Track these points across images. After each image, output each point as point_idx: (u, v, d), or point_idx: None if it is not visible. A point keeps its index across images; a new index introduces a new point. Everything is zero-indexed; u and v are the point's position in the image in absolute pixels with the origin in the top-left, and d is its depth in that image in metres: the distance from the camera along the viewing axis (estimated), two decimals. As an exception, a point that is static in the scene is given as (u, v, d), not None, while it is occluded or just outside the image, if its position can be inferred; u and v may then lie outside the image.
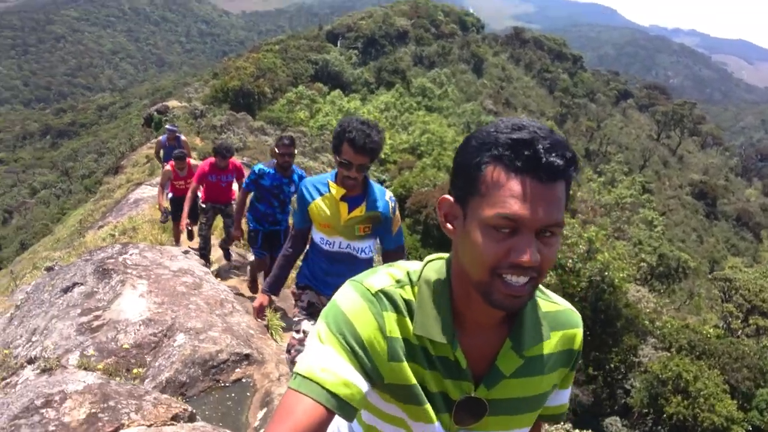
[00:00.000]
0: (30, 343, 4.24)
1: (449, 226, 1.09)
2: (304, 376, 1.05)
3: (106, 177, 23.58)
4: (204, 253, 7.20)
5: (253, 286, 6.42)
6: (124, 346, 3.86)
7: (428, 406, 1.15)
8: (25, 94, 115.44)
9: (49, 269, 7.32)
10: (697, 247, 48.03)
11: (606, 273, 15.74)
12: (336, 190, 3.03)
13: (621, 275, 16.38)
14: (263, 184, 5.55)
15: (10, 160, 68.35)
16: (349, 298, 1.14)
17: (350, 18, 64.87)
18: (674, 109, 67.18)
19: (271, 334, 4.90)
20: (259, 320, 3.39)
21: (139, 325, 4.07)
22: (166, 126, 11.05)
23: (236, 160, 7.38)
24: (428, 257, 1.22)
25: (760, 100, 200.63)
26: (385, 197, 3.14)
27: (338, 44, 56.51)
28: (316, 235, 3.18)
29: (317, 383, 1.04)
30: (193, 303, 4.58)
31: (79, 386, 3.04)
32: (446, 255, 1.20)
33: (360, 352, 1.09)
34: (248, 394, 3.84)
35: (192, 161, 8.38)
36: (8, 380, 3.81)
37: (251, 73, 36.05)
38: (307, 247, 3.33)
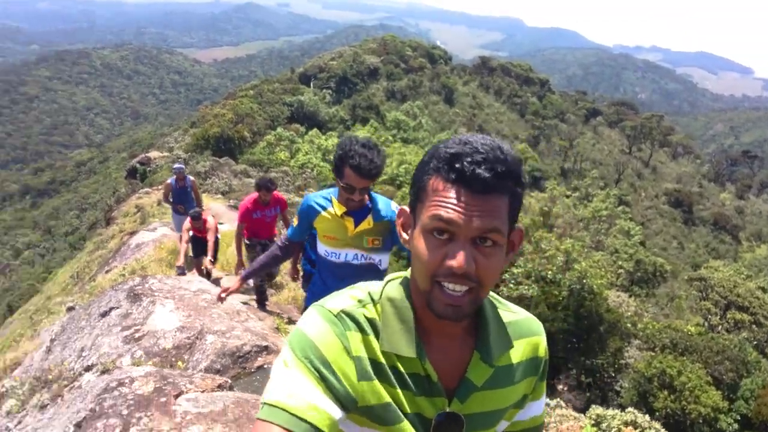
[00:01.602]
0: (81, 358, 4.95)
1: (405, 235, 1.17)
2: (271, 405, 1.05)
3: (99, 229, 24.11)
4: (262, 290, 7.07)
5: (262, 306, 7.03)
6: (165, 348, 4.60)
7: (406, 423, 1.14)
8: (2, 156, 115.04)
9: (70, 309, 8.02)
10: (678, 254, 49.20)
11: (584, 281, 16.54)
12: (338, 208, 3.07)
13: (599, 282, 17.18)
14: None
15: (-10, 224, 68.22)
16: (311, 322, 1.14)
17: (321, 59, 66.41)
18: (643, 123, 69.23)
19: (284, 334, 5.66)
20: (220, 299, 3.41)
21: (175, 332, 4.81)
22: (174, 166, 10.98)
23: (279, 192, 7.24)
24: (388, 276, 1.26)
25: (727, 108, 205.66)
26: (391, 207, 3.17)
27: (311, 85, 57.84)
28: (321, 248, 3.20)
29: (284, 410, 1.03)
30: (215, 313, 5.34)
31: (141, 372, 3.78)
32: (406, 273, 1.24)
33: (328, 375, 1.09)
34: (269, 376, 4.64)
35: (209, 219, 8.42)
36: (70, 386, 4.52)
37: (230, 119, 37.08)
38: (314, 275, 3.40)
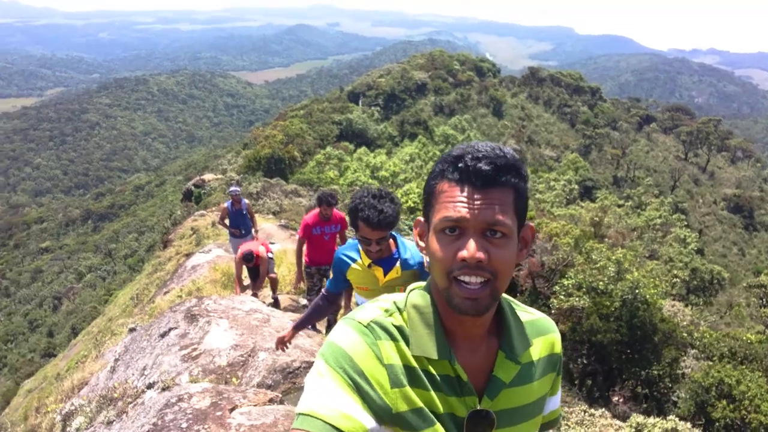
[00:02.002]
0: (143, 376, 5.35)
1: (422, 243, 1.23)
2: (305, 414, 1.08)
3: (156, 252, 24.98)
4: (329, 324, 6.85)
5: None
6: (220, 366, 4.95)
7: (438, 426, 1.17)
8: (65, 183, 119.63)
9: (131, 330, 8.50)
10: (739, 260, 47.70)
11: (637, 291, 16.36)
12: (365, 259, 3.14)
13: (653, 291, 16.96)
14: None
15: (55, 248, 70.83)
16: (343, 334, 1.18)
17: (369, 77, 67.21)
18: (699, 128, 67.48)
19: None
20: (279, 351, 3.58)
21: (229, 350, 5.17)
22: (230, 189, 11.05)
23: (338, 211, 6.96)
24: (411, 285, 1.31)
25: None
26: (418, 251, 3.17)
27: (360, 103, 58.57)
28: (358, 298, 3.38)
29: (318, 419, 1.06)
30: (266, 331, 5.68)
31: (199, 388, 4.13)
32: (423, 283, 1.31)
33: (363, 384, 1.12)
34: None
35: (261, 254, 8.41)
36: (133, 402, 4.91)
37: (280, 140, 38.01)
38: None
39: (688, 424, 5.35)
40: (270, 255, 8.84)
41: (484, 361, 1.24)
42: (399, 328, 1.21)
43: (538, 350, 1.33)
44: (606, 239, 20.92)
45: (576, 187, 35.61)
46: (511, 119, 61.53)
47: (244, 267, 8.70)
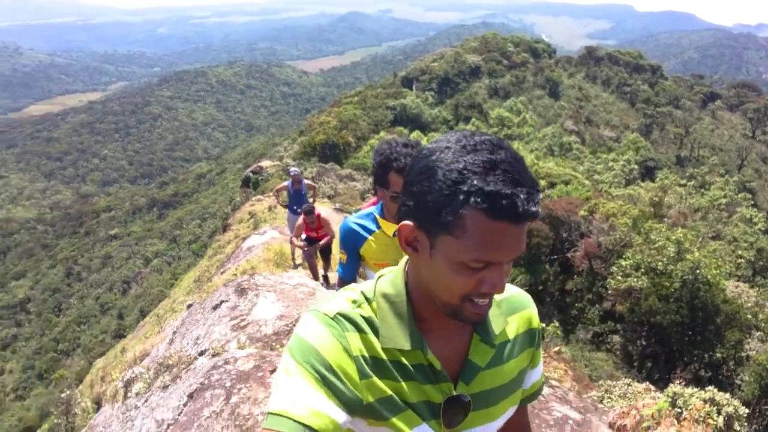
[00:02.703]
0: (196, 345, 5.55)
1: (410, 249, 1.13)
2: (275, 414, 1.05)
3: (217, 236, 25.67)
4: None
5: None
6: (266, 334, 5.10)
7: (409, 412, 1.17)
8: (131, 173, 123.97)
9: (189, 306, 8.82)
10: (814, 242, 45.61)
11: (698, 271, 15.91)
12: (386, 226, 2.74)
13: (715, 272, 16.47)
14: None
15: (123, 235, 73.41)
16: (309, 328, 1.14)
17: (422, 62, 66.94)
18: (766, 105, 64.65)
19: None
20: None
21: (275, 320, 5.31)
22: (290, 169, 11.41)
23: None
24: (377, 273, 1.28)
25: None
26: None
27: (413, 88, 58.43)
28: (369, 274, 2.88)
29: (288, 417, 1.04)
30: (311, 303, 5.80)
31: (244, 353, 4.27)
32: (394, 268, 1.27)
33: (331, 378, 1.09)
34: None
35: (321, 213, 8.70)
36: (187, 368, 5.11)
37: (334, 126, 38.33)
38: None
39: (727, 395, 5.21)
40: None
41: (459, 344, 1.23)
42: (367, 320, 1.18)
43: (514, 328, 1.31)
44: (666, 219, 20.33)
45: (636, 167, 34.66)
46: (568, 100, 60.24)
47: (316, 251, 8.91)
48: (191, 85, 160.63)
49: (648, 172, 40.25)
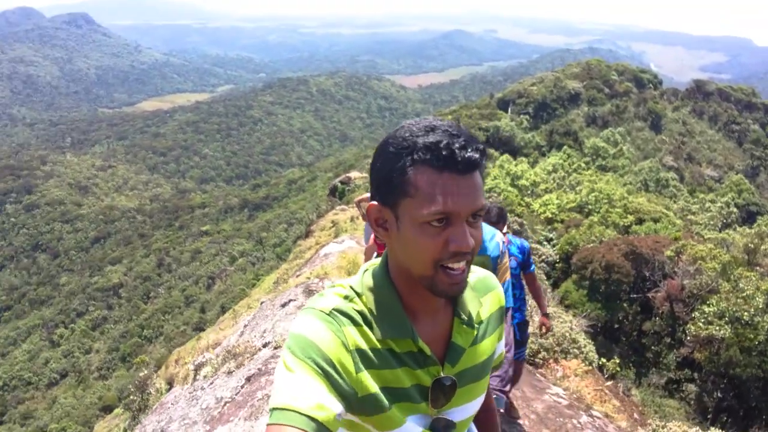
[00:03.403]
0: (261, 337, 5.98)
1: (381, 230, 1.21)
2: (280, 409, 1.07)
3: (299, 241, 26.49)
4: None
5: None
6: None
7: (394, 411, 1.22)
8: (227, 173, 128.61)
9: (262, 303, 9.35)
10: None
11: (787, 326, 15.15)
12: None
13: (806, 329, 15.62)
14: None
15: (213, 232, 76.13)
16: (307, 324, 1.18)
17: (521, 84, 66.39)
18: None
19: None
20: None
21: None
22: None
23: None
24: (363, 266, 1.34)
25: None
26: (495, 239, 3.06)
27: (509, 110, 58.02)
28: None
29: (294, 411, 1.05)
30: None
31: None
32: (377, 260, 1.32)
33: (331, 371, 1.12)
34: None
35: None
36: (251, 358, 5.54)
37: (424, 143, 38.57)
38: None
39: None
40: None
41: (442, 329, 1.30)
42: (360, 313, 1.23)
43: (488, 308, 1.41)
44: (757, 267, 19.40)
45: (735, 210, 33.07)
46: (670, 134, 58.15)
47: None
48: (292, 93, 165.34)
49: (749, 217, 38.30)
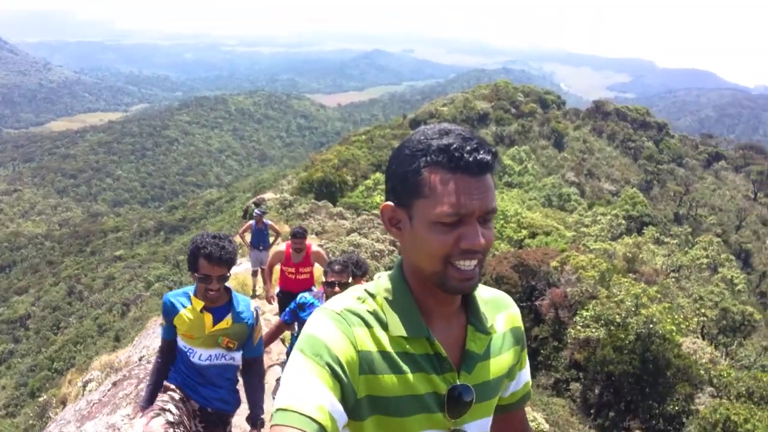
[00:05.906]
0: (141, 352, 6.70)
1: (394, 229, 1.23)
2: (283, 410, 1.07)
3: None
4: None
5: None
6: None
7: (407, 422, 1.20)
8: (142, 194, 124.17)
9: (161, 324, 9.95)
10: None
11: (651, 325, 16.82)
12: (197, 303, 3.16)
13: (671, 327, 17.34)
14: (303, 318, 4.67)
15: (128, 257, 73.50)
16: (318, 323, 1.18)
17: (433, 105, 68.58)
18: (770, 167, 65.76)
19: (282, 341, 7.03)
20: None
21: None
22: (255, 211, 12.37)
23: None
24: (378, 273, 1.34)
25: None
26: (250, 308, 3.25)
27: (421, 130, 59.49)
28: (180, 343, 3.27)
29: (296, 412, 1.06)
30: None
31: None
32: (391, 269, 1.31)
33: (338, 369, 1.12)
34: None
35: (313, 247, 7.28)
36: (130, 369, 6.24)
37: (333, 165, 39.67)
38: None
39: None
40: None
41: (456, 336, 1.29)
42: (373, 314, 1.23)
43: (502, 324, 1.40)
44: (632, 275, 21.31)
45: (623, 222, 35.57)
46: (571, 152, 61.45)
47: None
48: (210, 112, 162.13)
49: (642, 228, 41.16)
